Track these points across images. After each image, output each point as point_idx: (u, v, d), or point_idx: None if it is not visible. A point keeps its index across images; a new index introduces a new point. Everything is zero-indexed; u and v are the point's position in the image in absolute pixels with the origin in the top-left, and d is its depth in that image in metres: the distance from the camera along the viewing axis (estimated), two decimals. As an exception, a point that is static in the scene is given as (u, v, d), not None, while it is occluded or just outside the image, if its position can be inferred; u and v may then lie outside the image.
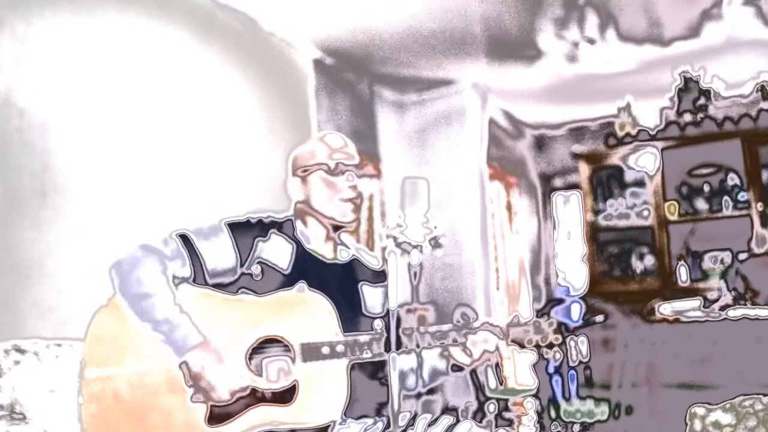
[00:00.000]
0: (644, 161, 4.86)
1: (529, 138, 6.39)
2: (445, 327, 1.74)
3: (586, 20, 4.05)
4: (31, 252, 2.63)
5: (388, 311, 1.91)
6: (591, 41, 4.31)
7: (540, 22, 4.06)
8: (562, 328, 1.76)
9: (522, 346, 1.76)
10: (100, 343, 1.69)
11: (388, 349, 1.61)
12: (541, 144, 6.47)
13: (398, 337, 1.61)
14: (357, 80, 4.74)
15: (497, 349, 1.76)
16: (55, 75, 2.76)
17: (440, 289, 4.82)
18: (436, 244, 1.59)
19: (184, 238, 1.75)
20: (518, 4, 3.84)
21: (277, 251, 1.82)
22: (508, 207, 5.79)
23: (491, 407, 3.67)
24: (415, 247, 1.56)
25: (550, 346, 1.76)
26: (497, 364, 4.20)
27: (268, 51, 3.93)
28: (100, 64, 2.91)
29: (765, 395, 2.32)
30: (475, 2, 3.77)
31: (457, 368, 1.81)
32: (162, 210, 2.92)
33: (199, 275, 1.74)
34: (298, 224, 1.89)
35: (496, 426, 3.60)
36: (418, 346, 1.71)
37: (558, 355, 1.76)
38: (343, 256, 1.92)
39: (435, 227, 1.59)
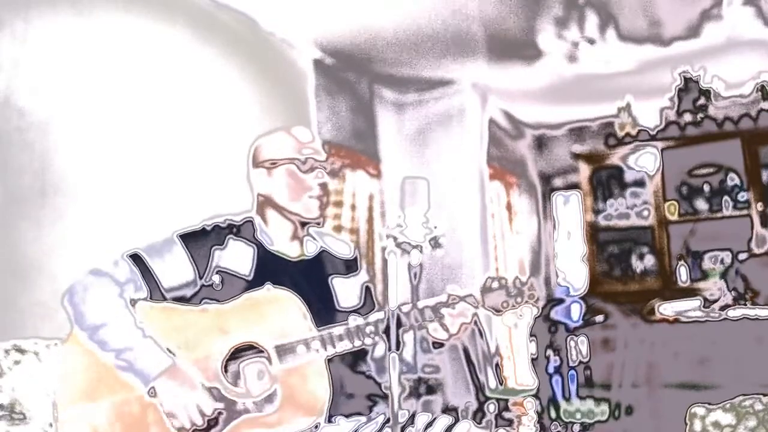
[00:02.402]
0: (644, 161, 4.85)
1: (529, 138, 6.38)
2: (420, 304, 1.71)
3: (586, 20, 4.05)
4: (31, 252, 2.64)
5: (365, 302, 1.88)
6: (591, 41, 4.31)
7: (540, 22, 4.06)
8: (535, 285, 1.75)
9: (498, 310, 1.75)
10: (68, 380, 1.63)
11: (389, 348, 1.60)
12: (541, 144, 6.47)
13: (398, 337, 1.60)
14: (357, 80, 4.73)
15: (475, 317, 1.75)
16: (55, 75, 2.76)
17: (440, 289, 4.81)
18: (436, 244, 1.58)
19: (136, 258, 1.69)
20: (518, 4, 3.83)
21: (236, 257, 1.75)
22: (508, 207, 5.78)
23: (491, 407, 3.67)
24: (415, 247, 1.55)
25: (527, 303, 1.74)
26: (497, 364, 4.20)
27: (268, 51, 3.93)
28: (100, 64, 2.91)
29: (765, 395, 2.32)
30: (475, 2, 3.77)
31: (438, 345, 1.79)
32: (162, 209, 2.91)
33: (156, 293, 1.68)
34: (259, 223, 1.82)
35: (496, 426, 3.60)
36: (416, 321, 1.69)
37: (535, 310, 1.76)
38: (310, 249, 1.86)
39: (435, 227, 1.58)
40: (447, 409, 3.90)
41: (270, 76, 3.89)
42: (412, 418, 1.81)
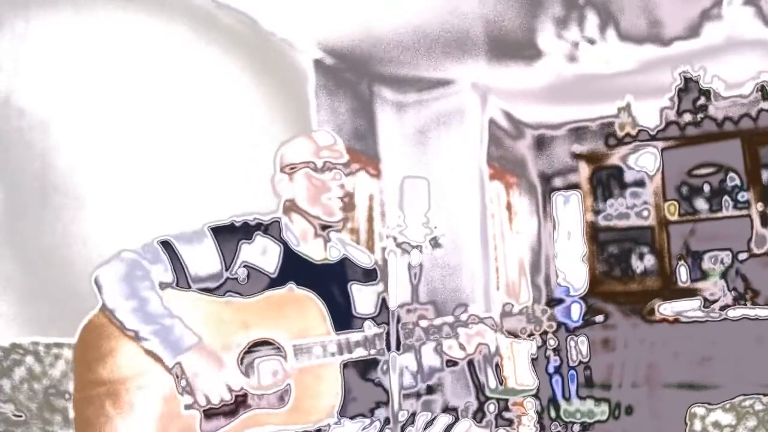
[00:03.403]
0: (644, 161, 4.86)
1: (529, 138, 6.38)
2: (438, 321, 1.73)
3: (586, 20, 4.05)
4: (32, 252, 2.64)
5: (380, 311, 1.90)
6: (591, 41, 4.31)
7: (540, 22, 4.06)
8: (556, 314, 1.74)
9: (516, 336, 1.75)
10: (87, 359, 1.67)
11: (389, 348, 1.60)
12: (541, 144, 6.47)
13: (398, 337, 1.60)
14: (357, 80, 4.74)
15: (492, 343, 1.76)
16: (55, 75, 2.76)
17: (440, 289, 4.82)
18: (436, 244, 1.58)
19: (166, 244, 1.73)
20: (518, 4, 3.84)
21: (263, 254, 1.79)
22: (508, 207, 5.79)
23: (491, 407, 3.67)
24: (415, 247, 1.55)
25: (545, 333, 1.75)
26: (497, 365, 4.20)
27: (268, 51, 3.93)
28: (101, 63, 2.92)
29: (765, 395, 2.32)
30: (475, 2, 3.77)
31: (452, 363, 1.80)
32: (162, 209, 2.92)
33: (182, 280, 1.72)
34: (286, 224, 1.86)
35: (496, 426, 3.60)
36: (418, 340, 1.71)
37: (553, 342, 1.76)
38: (334, 255, 1.89)
39: (435, 227, 1.58)
40: (447, 409, 3.91)
41: (270, 76, 3.89)
42: (412, 417, 1.82)
